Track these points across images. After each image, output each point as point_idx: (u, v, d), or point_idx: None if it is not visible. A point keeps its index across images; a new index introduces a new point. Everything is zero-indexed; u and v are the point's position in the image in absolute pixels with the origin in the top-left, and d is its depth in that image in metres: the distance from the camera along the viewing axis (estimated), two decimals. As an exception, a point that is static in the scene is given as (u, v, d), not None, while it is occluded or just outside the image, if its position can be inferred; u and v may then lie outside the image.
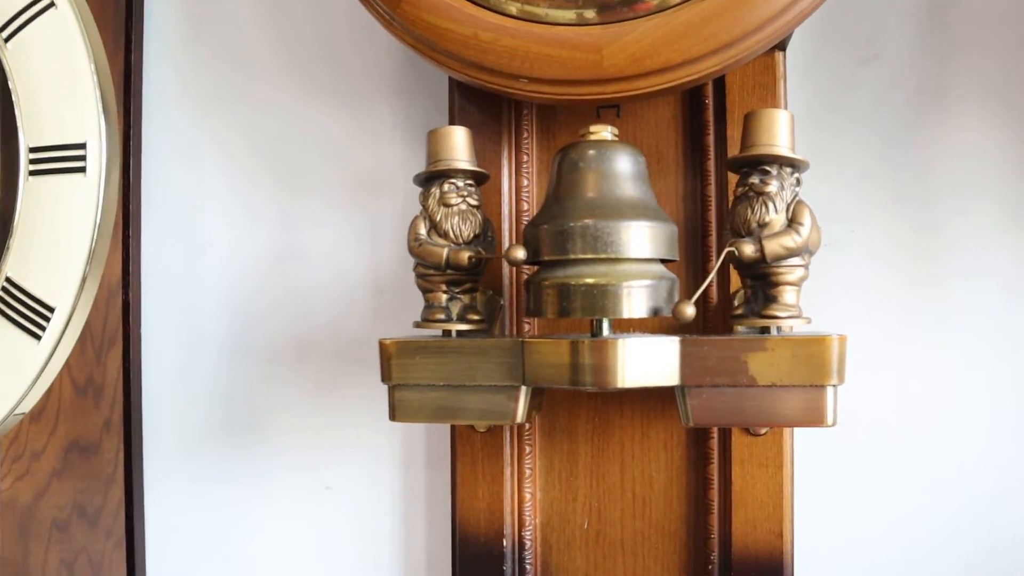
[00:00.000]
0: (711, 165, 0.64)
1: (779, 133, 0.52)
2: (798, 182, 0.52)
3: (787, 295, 0.52)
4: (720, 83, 0.63)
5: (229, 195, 0.77)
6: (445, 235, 0.55)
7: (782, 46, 0.62)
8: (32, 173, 0.58)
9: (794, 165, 0.52)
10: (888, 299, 0.68)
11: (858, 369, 0.67)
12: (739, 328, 0.53)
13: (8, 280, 0.59)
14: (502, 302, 0.66)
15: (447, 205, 0.55)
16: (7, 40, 0.58)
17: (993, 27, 0.67)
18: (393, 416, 0.55)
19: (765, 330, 0.52)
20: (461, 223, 0.55)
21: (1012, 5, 0.67)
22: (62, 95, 0.58)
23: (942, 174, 0.67)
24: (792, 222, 0.52)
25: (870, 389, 0.68)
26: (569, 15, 0.54)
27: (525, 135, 0.67)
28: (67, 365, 0.68)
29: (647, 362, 0.50)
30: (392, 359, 0.55)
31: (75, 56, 0.58)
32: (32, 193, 0.58)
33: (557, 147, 0.68)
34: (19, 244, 0.58)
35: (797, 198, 0.52)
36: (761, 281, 0.53)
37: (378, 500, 0.75)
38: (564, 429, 0.67)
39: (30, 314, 0.58)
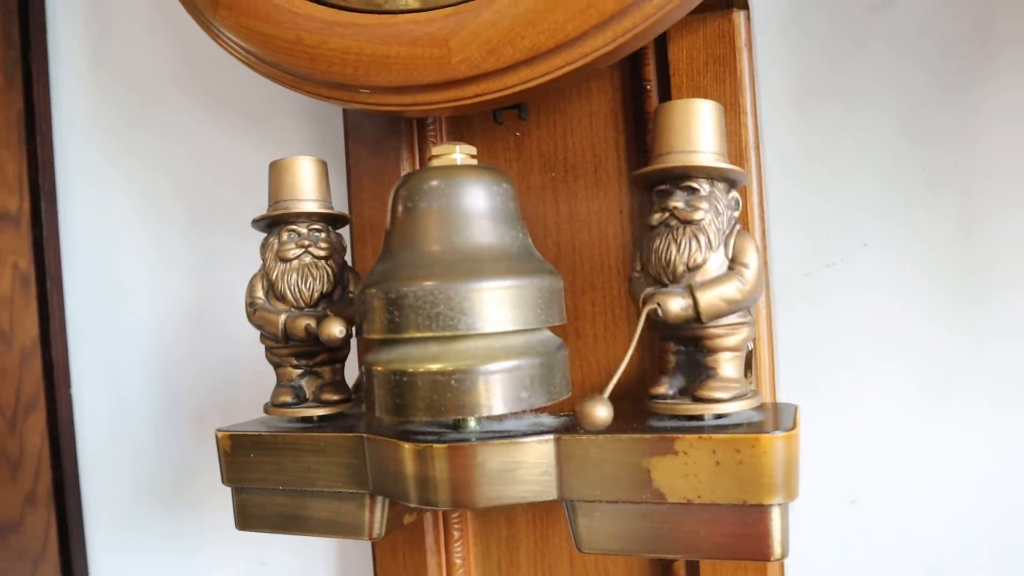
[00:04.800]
0: (662, 172, 0.48)
1: (704, 134, 0.37)
2: (737, 204, 0.37)
3: (727, 366, 0.37)
4: (664, 60, 0.47)
5: (144, 236, 0.68)
6: (282, 297, 0.44)
7: (742, 2, 0.46)
8: None
9: (730, 180, 0.37)
10: (921, 337, 0.49)
11: (880, 447, 0.50)
12: (658, 415, 0.38)
13: None
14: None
15: (284, 259, 0.44)
16: None
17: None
18: (236, 524, 0.45)
19: (698, 418, 0.37)
20: (300, 281, 0.43)
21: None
22: None
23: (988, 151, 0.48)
24: (734, 263, 0.36)
25: (898, 476, 0.50)
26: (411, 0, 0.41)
27: (432, 144, 0.54)
28: (-35, 442, 0.62)
29: (514, 472, 0.36)
30: (227, 456, 0.44)
31: None
32: None
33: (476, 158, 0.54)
34: None
35: (737, 227, 0.36)
36: (691, 346, 0.38)
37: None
38: (500, 509, 0.54)
39: None
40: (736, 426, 0.35)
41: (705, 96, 0.47)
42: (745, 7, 0.46)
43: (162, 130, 0.67)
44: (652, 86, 0.48)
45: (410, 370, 0.36)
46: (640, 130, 0.49)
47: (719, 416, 0.37)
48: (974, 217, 0.47)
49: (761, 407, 0.39)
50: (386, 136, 0.53)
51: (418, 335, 0.36)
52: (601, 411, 0.34)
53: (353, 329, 0.42)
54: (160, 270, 0.68)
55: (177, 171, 0.67)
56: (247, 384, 0.66)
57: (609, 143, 0.50)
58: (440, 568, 0.54)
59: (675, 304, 0.36)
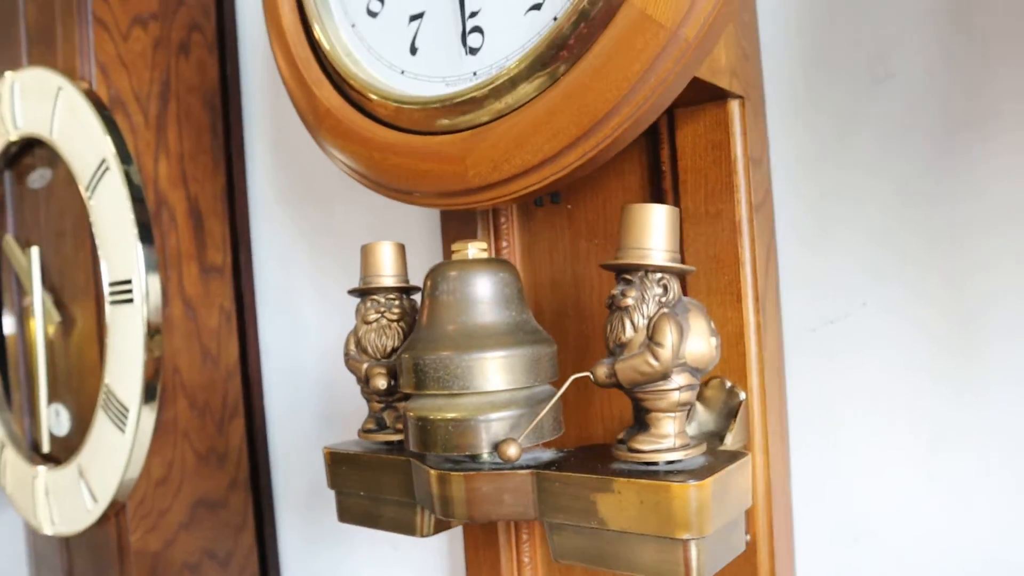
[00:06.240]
0: (676, 241, 0.56)
1: (650, 233, 0.45)
2: (665, 290, 0.44)
3: (662, 424, 0.45)
4: (675, 143, 0.55)
5: (314, 284, 0.87)
6: (364, 351, 0.58)
7: (738, 93, 0.52)
8: (111, 303, 0.73)
9: (671, 273, 0.44)
10: (915, 390, 0.52)
11: (877, 499, 0.53)
12: (619, 459, 0.47)
13: (106, 386, 0.75)
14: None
15: (366, 322, 0.58)
16: (91, 197, 0.75)
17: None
18: (338, 517, 0.59)
19: (653, 463, 0.45)
20: (377, 339, 0.57)
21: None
22: (120, 237, 0.73)
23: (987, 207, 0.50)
24: (651, 341, 0.44)
25: (894, 527, 0.53)
26: (445, 121, 0.52)
27: (503, 220, 0.65)
28: (187, 438, 0.83)
29: (502, 495, 0.47)
30: (329, 467, 0.59)
31: (122, 207, 0.72)
32: (112, 319, 0.74)
33: (537, 229, 0.65)
34: (110, 359, 0.74)
35: (662, 311, 0.44)
36: (637, 405, 0.46)
37: (436, 565, 0.79)
38: (561, 522, 0.64)
39: (118, 412, 0.74)
40: (669, 473, 0.43)
41: (705, 176, 0.54)
42: (741, 97, 0.52)
43: (325, 205, 0.85)
44: (667, 166, 0.56)
45: (429, 417, 0.48)
46: (661, 203, 0.57)
47: (671, 462, 0.45)
48: (964, 274, 0.50)
49: (714, 454, 0.46)
50: (468, 218, 0.66)
51: (432, 392, 0.48)
52: (511, 449, 0.44)
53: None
54: (325, 311, 0.86)
55: (335, 237, 0.85)
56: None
57: (636, 215, 0.59)
58: (512, 563, 0.66)
59: (601, 372, 0.45)
